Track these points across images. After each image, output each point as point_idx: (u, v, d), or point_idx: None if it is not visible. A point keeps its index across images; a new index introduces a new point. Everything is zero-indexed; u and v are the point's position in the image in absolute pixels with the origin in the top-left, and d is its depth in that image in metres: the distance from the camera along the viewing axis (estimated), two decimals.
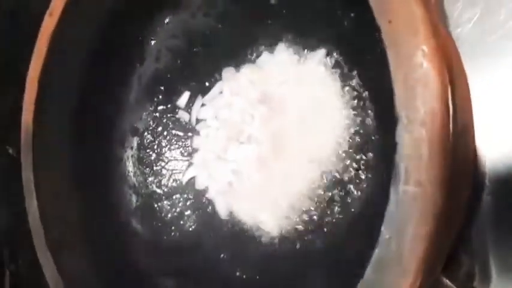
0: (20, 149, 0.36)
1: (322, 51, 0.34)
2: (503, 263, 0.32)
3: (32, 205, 0.33)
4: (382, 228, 0.19)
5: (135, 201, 0.40)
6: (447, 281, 0.31)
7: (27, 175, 0.34)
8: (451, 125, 0.19)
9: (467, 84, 0.25)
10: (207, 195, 0.39)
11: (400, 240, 0.19)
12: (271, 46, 0.36)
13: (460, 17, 0.33)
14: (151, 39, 0.40)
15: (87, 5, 0.33)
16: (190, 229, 0.39)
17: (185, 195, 0.40)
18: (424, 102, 0.19)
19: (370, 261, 0.19)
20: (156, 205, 0.40)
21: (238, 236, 0.37)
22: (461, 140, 0.21)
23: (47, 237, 0.33)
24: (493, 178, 0.32)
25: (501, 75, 0.32)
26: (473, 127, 0.25)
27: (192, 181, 0.40)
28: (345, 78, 0.32)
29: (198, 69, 0.39)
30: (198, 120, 0.40)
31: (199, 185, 0.39)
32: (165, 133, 0.41)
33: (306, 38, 0.35)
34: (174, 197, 0.40)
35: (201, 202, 0.39)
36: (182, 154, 0.40)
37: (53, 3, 0.32)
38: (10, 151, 0.41)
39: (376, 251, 0.19)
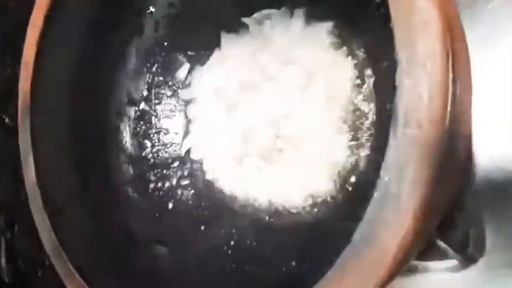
0: (16, 119, 0.36)
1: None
2: (497, 230, 0.33)
3: (29, 171, 0.33)
4: (381, 172, 0.19)
5: (131, 170, 0.40)
6: (443, 244, 0.31)
7: (25, 141, 0.34)
8: (450, 68, 0.19)
9: (465, 43, 0.25)
10: (203, 167, 0.39)
11: (399, 183, 0.19)
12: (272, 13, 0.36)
13: None
14: (150, 10, 0.40)
15: None
16: (186, 199, 0.39)
17: (182, 166, 0.40)
18: (424, 44, 0.19)
19: (369, 203, 0.19)
20: (152, 175, 0.40)
21: (232, 207, 0.37)
22: (460, 89, 0.21)
23: (44, 202, 0.32)
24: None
25: (501, 42, 0.32)
26: (470, 85, 0.25)
27: (188, 152, 0.40)
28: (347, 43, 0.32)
29: (197, 39, 0.39)
30: (195, 91, 0.40)
31: (195, 155, 0.39)
32: (162, 103, 0.41)
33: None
34: (170, 167, 0.40)
35: (196, 172, 0.39)
36: (179, 125, 0.40)
37: None
38: (6, 120, 0.41)
39: (375, 194, 0.19)
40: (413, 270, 0.34)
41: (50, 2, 0.34)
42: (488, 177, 0.33)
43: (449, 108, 0.19)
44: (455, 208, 0.33)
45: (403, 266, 0.21)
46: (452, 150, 0.22)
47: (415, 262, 0.33)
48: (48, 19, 0.34)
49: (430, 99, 0.19)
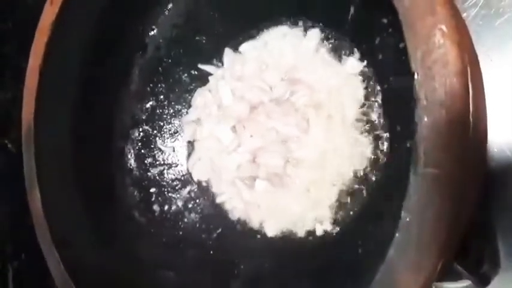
0: (18, 144, 0.36)
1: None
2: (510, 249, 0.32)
3: (34, 197, 0.32)
4: (402, 212, 0.19)
5: (137, 194, 0.39)
6: (458, 266, 0.31)
7: (30, 168, 0.33)
8: (471, 106, 0.19)
9: (479, 67, 0.25)
10: (209, 189, 0.39)
11: (421, 223, 0.19)
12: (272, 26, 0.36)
13: (466, 1, 0.33)
14: (152, 29, 0.39)
15: None
16: (193, 222, 0.38)
17: (188, 187, 0.39)
18: (443, 83, 0.18)
19: (392, 244, 0.19)
20: (158, 197, 0.39)
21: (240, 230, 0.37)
22: (479, 121, 0.21)
23: (51, 231, 0.32)
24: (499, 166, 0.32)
25: (509, 58, 0.32)
26: (485, 109, 0.25)
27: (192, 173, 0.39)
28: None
29: (199, 57, 0.39)
30: (199, 110, 0.39)
31: (201, 176, 0.39)
32: (166, 124, 0.40)
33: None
34: (176, 188, 0.40)
35: (203, 194, 0.39)
36: (183, 145, 0.40)
37: None
38: (9, 146, 0.40)
39: (397, 235, 0.19)
40: None
41: (51, 26, 0.33)
42: (500, 197, 0.33)
43: (469, 145, 0.19)
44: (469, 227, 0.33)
45: None
46: (472, 178, 0.21)
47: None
48: (50, 43, 0.33)
49: (450, 139, 0.18)
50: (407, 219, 0.19)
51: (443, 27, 0.19)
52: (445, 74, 0.19)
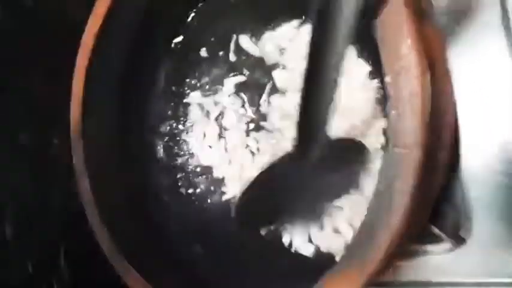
0: (63, 139, 0.43)
1: None
2: (481, 215, 0.38)
3: (84, 183, 0.39)
4: (377, 182, 0.25)
5: (166, 180, 0.46)
6: (436, 229, 0.37)
7: (79, 158, 0.40)
8: (428, 103, 0.25)
9: (446, 69, 0.31)
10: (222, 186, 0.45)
11: (390, 191, 0.25)
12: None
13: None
14: (180, 35, 0.46)
15: (126, 6, 0.39)
16: (216, 202, 0.45)
17: (206, 177, 0.46)
18: (407, 85, 0.24)
19: (368, 207, 0.25)
20: (184, 183, 0.46)
21: None
22: (440, 113, 0.27)
23: (100, 213, 0.39)
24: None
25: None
26: (453, 104, 0.31)
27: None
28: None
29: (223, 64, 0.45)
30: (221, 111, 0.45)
31: (217, 173, 0.45)
32: (189, 120, 0.47)
33: None
34: (198, 174, 0.46)
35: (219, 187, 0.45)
36: (208, 138, 0.46)
37: (97, 4, 0.38)
38: (55, 141, 0.46)
39: (373, 199, 0.25)
40: (414, 253, 0.40)
41: (94, 36, 0.39)
42: (473, 172, 0.38)
43: (428, 132, 0.25)
44: (444, 199, 0.39)
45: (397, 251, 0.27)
46: (434, 159, 0.27)
47: (415, 246, 0.40)
48: (94, 53, 0.39)
49: (412, 127, 0.24)
50: (381, 188, 0.25)
51: (408, 41, 0.25)
52: (408, 77, 0.24)
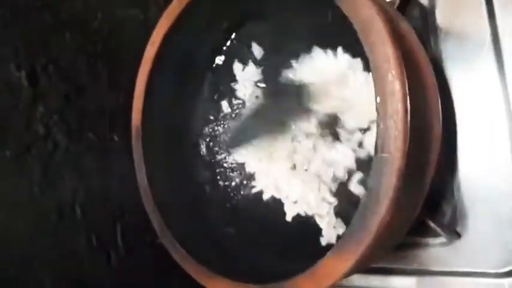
0: (122, 137, 0.52)
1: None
2: (476, 212, 0.44)
3: (142, 175, 0.48)
4: (368, 182, 0.32)
5: (208, 174, 0.55)
6: (433, 224, 0.43)
7: (139, 155, 0.49)
8: (408, 119, 0.31)
9: (430, 86, 0.38)
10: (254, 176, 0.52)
11: (378, 189, 0.32)
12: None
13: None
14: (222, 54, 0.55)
15: (176, 35, 0.48)
16: (247, 194, 0.53)
17: (240, 172, 0.54)
18: (391, 105, 0.32)
19: (361, 201, 0.32)
20: (222, 177, 0.55)
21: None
22: (421, 126, 0.34)
23: (154, 199, 0.48)
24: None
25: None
26: (437, 118, 0.38)
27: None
28: None
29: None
30: None
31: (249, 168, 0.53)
32: (228, 124, 0.55)
33: None
34: (234, 169, 0.54)
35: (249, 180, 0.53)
36: None
37: (154, 36, 0.47)
38: (115, 138, 0.56)
39: (364, 197, 0.32)
40: (413, 246, 0.46)
41: (152, 59, 0.48)
42: (469, 173, 0.45)
43: (408, 143, 0.32)
44: (442, 198, 0.45)
45: (387, 237, 0.34)
46: (418, 162, 0.34)
47: (414, 239, 0.46)
48: (151, 72, 0.49)
49: (395, 137, 0.31)
50: (371, 183, 0.32)
51: (393, 72, 0.32)
52: (393, 100, 0.32)
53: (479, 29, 0.44)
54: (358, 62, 0.43)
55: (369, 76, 0.44)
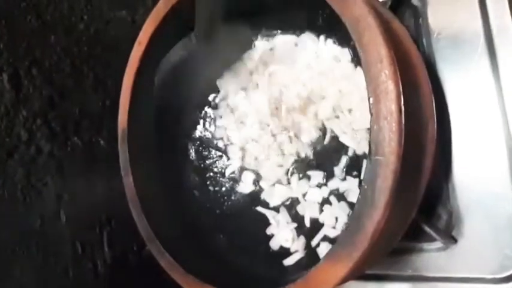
0: (108, 142, 0.51)
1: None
2: (471, 218, 0.43)
3: (128, 179, 0.47)
4: (362, 183, 0.31)
5: (197, 178, 0.54)
6: (428, 229, 0.42)
7: (125, 159, 0.47)
8: (403, 120, 0.30)
9: (424, 87, 0.37)
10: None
11: (372, 189, 0.31)
12: None
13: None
14: None
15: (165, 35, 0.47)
16: (237, 199, 0.52)
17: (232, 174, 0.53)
18: (385, 105, 0.30)
19: (356, 202, 0.31)
20: (212, 181, 0.53)
21: None
22: (416, 127, 0.33)
23: (141, 205, 0.46)
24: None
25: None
26: (432, 119, 0.36)
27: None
28: None
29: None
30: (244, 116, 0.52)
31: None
32: (216, 128, 0.54)
33: None
34: (224, 174, 0.53)
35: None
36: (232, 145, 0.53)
37: (142, 35, 0.46)
38: (101, 142, 0.54)
39: (359, 196, 0.31)
40: (408, 251, 0.45)
41: (138, 63, 0.47)
42: (465, 178, 0.44)
43: (403, 145, 0.31)
44: (438, 202, 0.44)
45: (382, 241, 0.33)
46: (413, 164, 0.33)
47: (409, 244, 0.45)
48: (138, 70, 0.47)
49: (390, 140, 0.30)
50: (365, 187, 0.31)
51: (386, 71, 0.31)
52: (386, 99, 0.31)
53: (473, 30, 0.43)
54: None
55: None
